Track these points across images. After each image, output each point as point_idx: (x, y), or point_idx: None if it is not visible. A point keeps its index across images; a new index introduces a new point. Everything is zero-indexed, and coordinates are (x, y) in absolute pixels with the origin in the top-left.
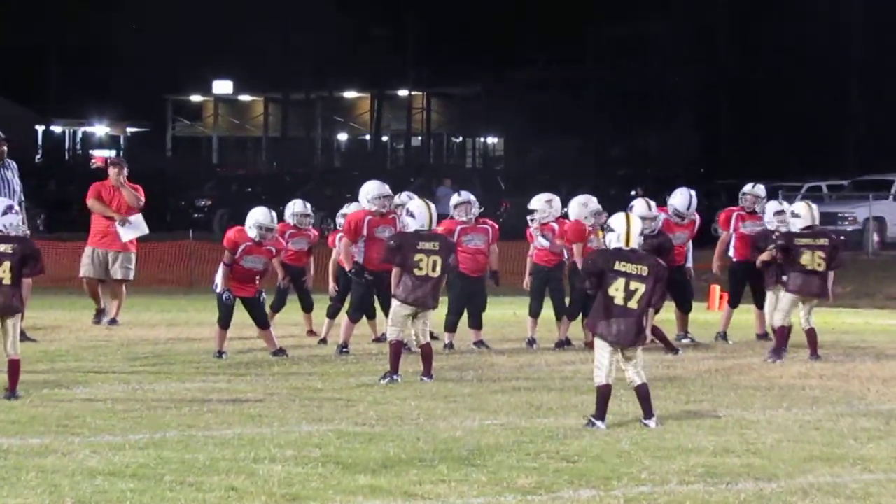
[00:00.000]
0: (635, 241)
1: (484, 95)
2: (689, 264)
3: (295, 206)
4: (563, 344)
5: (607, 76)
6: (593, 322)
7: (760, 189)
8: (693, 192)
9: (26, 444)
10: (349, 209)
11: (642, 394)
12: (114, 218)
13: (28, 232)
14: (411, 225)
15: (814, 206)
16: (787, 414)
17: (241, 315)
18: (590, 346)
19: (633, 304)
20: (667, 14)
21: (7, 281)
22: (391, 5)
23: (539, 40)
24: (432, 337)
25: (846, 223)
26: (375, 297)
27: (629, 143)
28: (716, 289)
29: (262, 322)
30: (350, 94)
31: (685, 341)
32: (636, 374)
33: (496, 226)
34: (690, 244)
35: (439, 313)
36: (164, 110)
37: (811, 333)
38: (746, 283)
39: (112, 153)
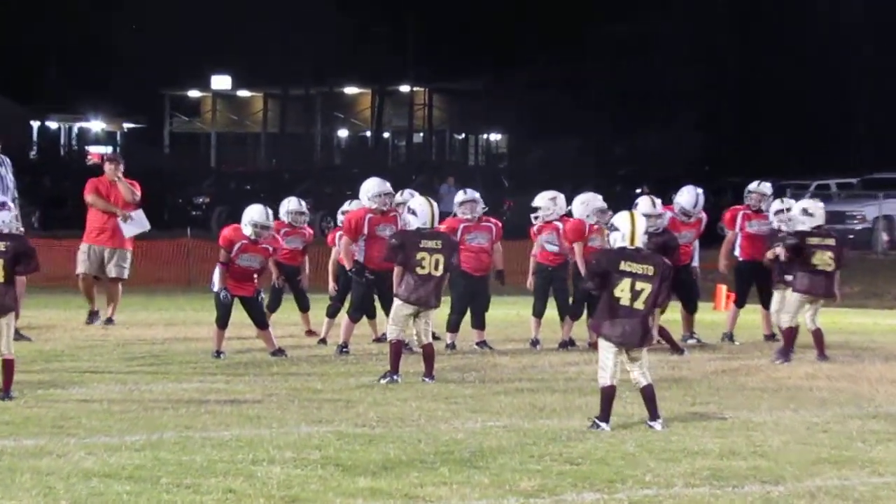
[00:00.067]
0: (640, 240)
1: (487, 91)
2: (696, 264)
3: (289, 204)
4: (567, 344)
5: (611, 73)
6: (598, 323)
7: (766, 187)
8: (700, 191)
9: (21, 445)
10: (349, 207)
11: (648, 395)
12: (115, 213)
13: (22, 229)
14: (413, 223)
15: (820, 204)
16: (795, 416)
17: (239, 315)
18: (594, 346)
19: (639, 305)
20: (669, 12)
21: (0, 279)
22: (392, 0)
23: (540, 37)
24: (434, 337)
25: (855, 222)
26: (376, 297)
27: (633, 141)
28: (722, 288)
29: (261, 322)
30: (350, 90)
31: (691, 342)
32: (641, 375)
33: (499, 224)
34: (697, 243)
35: (441, 313)
36: (161, 106)
37: (818, 334)
38: (753, 282)
39: (108, 150)
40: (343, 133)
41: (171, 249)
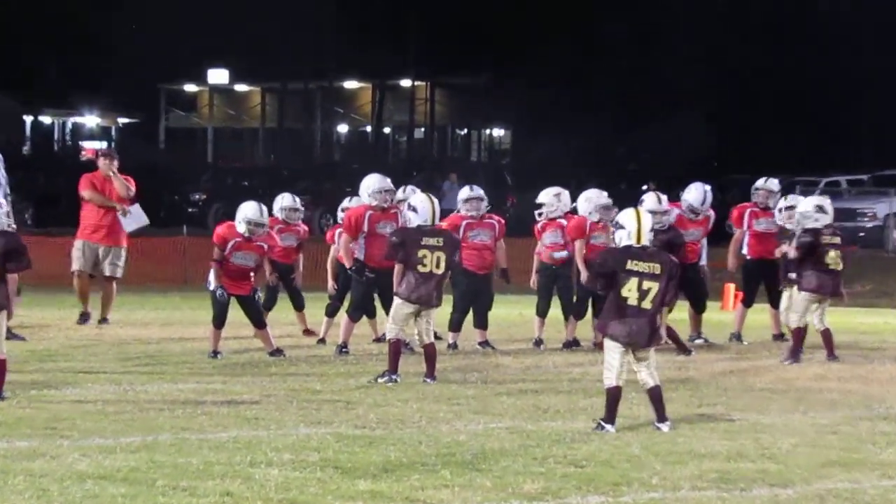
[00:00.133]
0: (646, 238)
1: (490, 86)
2: (704, 262)
3: (283, 200)
4: (572, 344)
5: (617, 66)
6: (604, 323)
7: (773, 183)
8: (708, 188)
9: (13, 446)
10: (349, 204)
11: (655, 396)
12: (115, 207)
13: (14, 226)
14: (414, 220)
15: (828, 201)
16: (804, 417)
17: (236, 314)
18: (599, 346)
19: (646, 304)
20: (676, 5)
21: None
22: None
23: (545, 30)
24: (436, 337)
25: (866, 219)
26: (376, 296)
27: (640, 136)
28: (730, 288)
29: (259, 321)
30: (350, 84)
31: (698, 342)
32: (649, 376)
33: (503, 221)
34: (705, 241)
35: (443, 312)
36: (156, 100)
37: (826, 334)
38: (761, 281)
39: (103, 145)
40: (343, 128)
41: (167, 247)
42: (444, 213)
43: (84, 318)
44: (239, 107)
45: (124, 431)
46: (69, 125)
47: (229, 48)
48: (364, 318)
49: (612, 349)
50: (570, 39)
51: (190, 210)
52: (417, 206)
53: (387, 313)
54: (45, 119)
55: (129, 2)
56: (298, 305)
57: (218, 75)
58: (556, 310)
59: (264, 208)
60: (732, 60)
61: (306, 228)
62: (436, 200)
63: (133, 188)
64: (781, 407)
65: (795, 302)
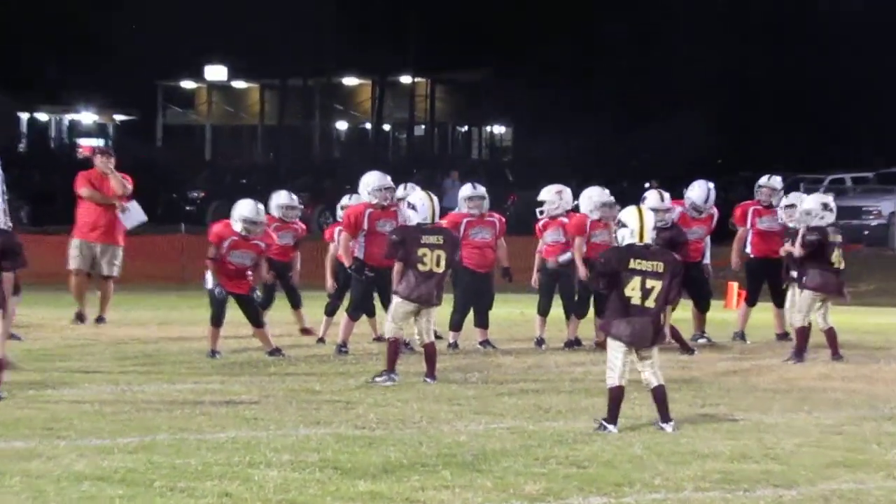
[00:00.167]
0: (649, 236)
1: (491, 82)
2: (707, 261)
3: (280, 198)
4: (573, 344)
5: (620, 63)
6: (607, 323)
7: (776, 181)
8: (711, 185)
9: (10, 447)
10: (349, 202)
11: (659, 396)
12: (114, 205)
13: (11, 224)
14: (413, 218)
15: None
16: (808, 417)
17: (235, 313)
18: (601, 346)
19: (650, 303)
20: (681, 3)
21: None
22: None
23: (546, 26)
24: (436, 336)
25: (871, 217)
26: (376, 294)
27: (643, 134)
28: (733, 286)
29: (257, 320)
30: (350, 81)
31: (701, 341)
32: (653, 376)
33: (503, 219)
34: (708, 240)
35: (444, 311)
36: (154, 97)
37: (831, 333)
38: (764, 280)
39: (100, 142)
40: (342, 125)
41: (165, 245)
42: (446, 212)
43: (79, 317)
44: (237, 104)
45: (122, 432)
46: (65, 122)
47: (228, 44)
48: (364, 318)
49: (615, 349)
50: (572, 36)
51: (188, 208)
52: (417, 203)
53: (387, 312)
54: (42, 116)
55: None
56: (295, 304)
57: (216, 72)
58: (557, 309)
59: (261, 206)
60: (735, 58)
61: (303, 226)
62: (435, 198)
63: (130, 186)
64: (785, 407)
65: (799, 301)
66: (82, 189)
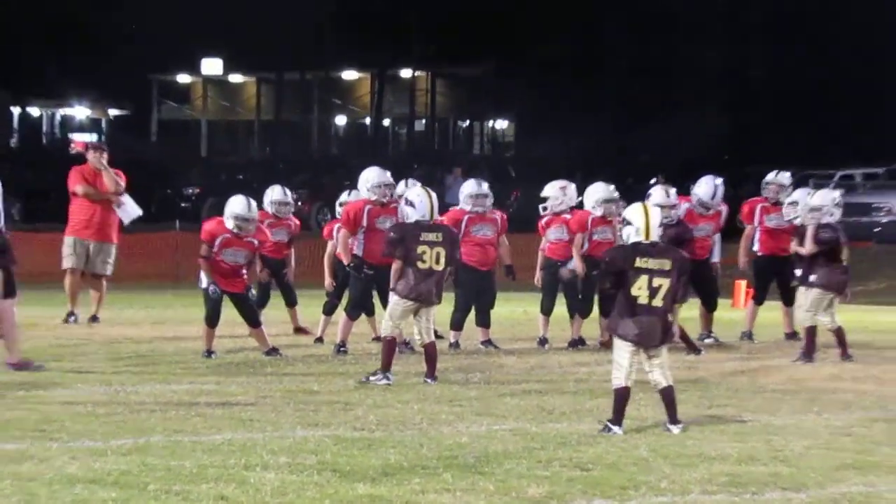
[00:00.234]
0: (655, 234)
1: (493, 76)
2: (716, 259)
3: (273, 194)
4: (577, 343)
5: (624, 57)
6: (614, 322)
7: (784, 177)
8: (719, 181)
9: (1, 449)
10: (348, 198)
11: (667, 397)
12: (111, 200)
13: (2, 223)
14: (411, 215)
15: None
16: (817, 419)
17: (231, 312)
18: (605, 345)
19: (657, 302)
20: None
21: None
22: None
23: (549, 19)
24: (437, 336)
25: (881, 214)
26: (375, 293)
27: (648, 129)
28: (741, 285)
29: (253, 320)
30: (349, 75)
31: (708, 341)
32: (662, 376)
33: (504, 216)
34: (718, 237)
35: (445, 310)
36: (148, 92)
37: (839, 332)
38: (773, 278)
39: (93, 137)
40: (341, 120)
41: (160, 243)
42: (446, 207)
43: (72, 317)
44: (234, 98)
45: (115, 433)
46: (58, 117)
47: (224, 37)
48: (363, 317)
49: (622, 349)
50: (577, 28)
51: (183, 205)
52: (415, 200)
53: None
54: (34, 111)
55: None
56: (291, 302)
57: (212, 65)
58: (560, 308)
59: (253, 203)
60: (744, 52)
61: (297, 222)
62: (434, 195)
63: (123, 183)
64: (794, 408)
65: (808, 300)
66: (77, 186)
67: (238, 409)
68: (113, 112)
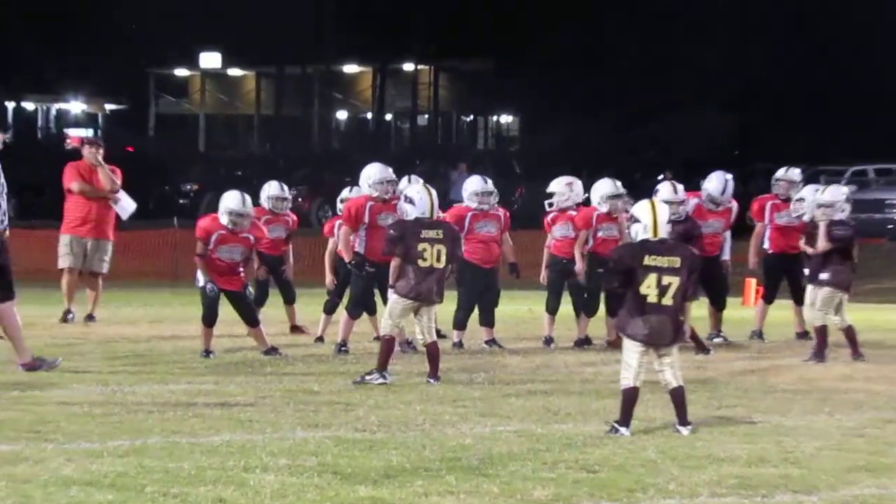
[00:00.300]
0: (663, 230)
1: (497, 70)
2: (727, 257)
3: (270, 189)
4: (583, 343)
5: (631, 50)
6: (623, 322)
7: (795, 173)
8: (729, 177)
9: None
10: (349, 195)
11: (677, 398)
12: (107, 198)
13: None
14: (411, 212)
15: None
16: (829, 420)
17: (230, 311)
18: (612, 345)
19: (667, 301)
20: None
21: None
22: None
23: (554, 11)
24: (439, 335)
25: (894, 211)
26: (377, 291)
27: (656, 124)
28: (751, 283)
29: (251, 319)
30: (350, 68)
31: (717, 340)
32: (672, 376)
33: (507, 213)
34: (728, 234)
35: (448, 309)
36: (145, 86)
37: (850, 331)
38: (783, 277)
39: (89, 133)
40: (342, 115)
41: (157, 240)
42: (450, 203)
43: (70, 314)
44: (232, 92)
45: (112, 434)
46: (53, 112)
47: (222, 30)
48: (364, 316)
49: (631, 348)
50: (583, 20)
51: (181, 201)
52: (415, 197)
53: None
54: (28, 105)
55: None
56: (289, 299)
57: (210, 59)
58: (566, 306)
59: (247, 198)
60: (754, 47)
61: (295, 218)
62: (433, 192)
63: (119, 181)
64: (805, 408)
65: (819, 298)
66: (73, 183)
67: (237, 410)
68: (109, 106)
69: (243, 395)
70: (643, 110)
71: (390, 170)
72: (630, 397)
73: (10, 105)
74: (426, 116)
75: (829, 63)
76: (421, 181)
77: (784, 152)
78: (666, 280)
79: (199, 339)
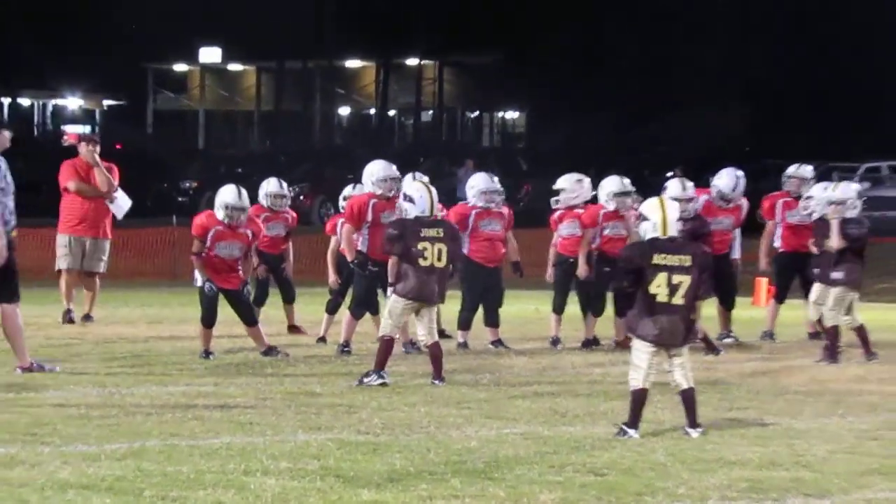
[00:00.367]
0: (673, 228)
1: (503, 65)
2: (737, 255)
3: (269, 186)
4: (591, 343)
5: (640, 45)
6: (633, 322)
7: (806, 170)
8: (740, 174)
9: None
10: (352, 192)
11: (688, 400)
12: (104, 197)
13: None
14: (411, 211)
15: None
16: (842, 422)
17: (229, 311)
18: (620, 345)
19: (678, 300)
20: None
21: None
22: None
23: (561, 5)
24: (443, 335)
25: None
26: (380, 291)
27: (666, 119)
28: (762, 282)
29: (249, 318)
30: (352, 63)
31: (728, 341)
32: (683, 377)
33: (511, 211)
34: (738, 232)
35: (452, 309)
36: (144, 81)
37: (861, 330)
38: (795, 276)
39: (86, 129)
40: (344, 111)
41: (155, 239)
42: (456, 201)
43: (70, 314)
44: (232, 88)
45: (109, 437)
46: (50, 108)
47: (222, 25)
48: (367, 315)
49: (641, 349)
50: (590, 15)
51: (180, 199)
52: (414, 195)
53: None
54: (25, 101)
55: None
56: (289, 297)
57: (210, 54)
58: (573, 306)
59: (244, 191)
60: (766, 43)
61: (294, 215)
62: (434, 190)
63: (116, 180)
64: (817, 411)
65: (831, 297)
66: (69, 182)
67: (237, 412)
68: (107, 102)
69: (243, 396)
70: (652, 106)
71: (394, 167)
72: (639, 399)
73: (6, 101)
74: (430, 112)
75: (830, 63)
76: (426, 178)
77: (795, 148)
78: (676, 279)
79: (198, 339)
